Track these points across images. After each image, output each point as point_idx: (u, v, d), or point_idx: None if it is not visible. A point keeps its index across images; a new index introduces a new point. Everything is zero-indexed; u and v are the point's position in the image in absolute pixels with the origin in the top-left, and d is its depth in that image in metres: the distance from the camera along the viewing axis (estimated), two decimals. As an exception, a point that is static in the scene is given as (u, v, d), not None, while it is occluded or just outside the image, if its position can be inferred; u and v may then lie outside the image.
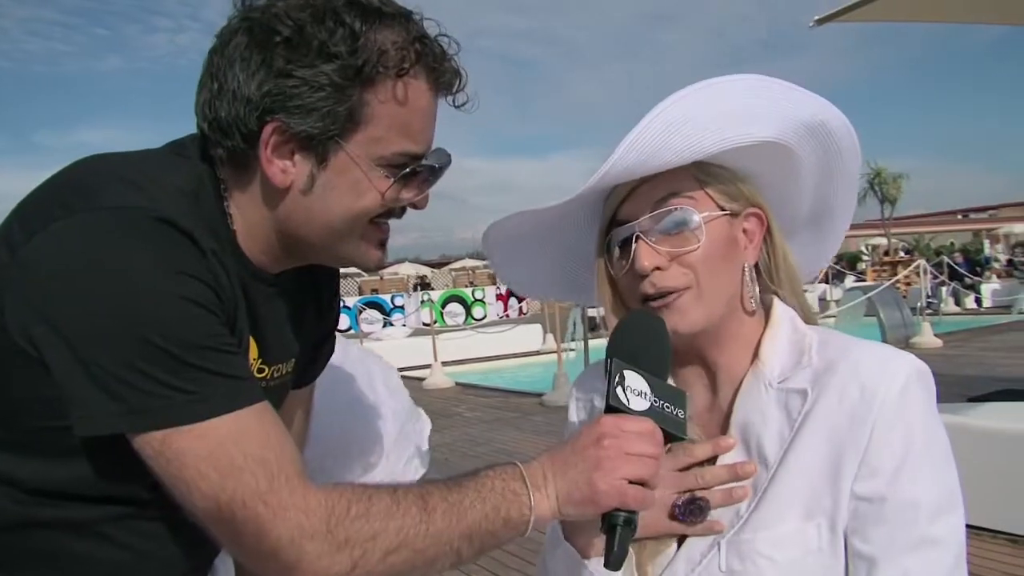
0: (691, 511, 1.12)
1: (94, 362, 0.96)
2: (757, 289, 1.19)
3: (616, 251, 1.16)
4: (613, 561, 1.00)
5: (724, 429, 1.16)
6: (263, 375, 1.25)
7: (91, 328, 0.96)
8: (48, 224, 1.00)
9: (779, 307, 1.20)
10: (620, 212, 1.15)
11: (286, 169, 1.11)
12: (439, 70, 1.13)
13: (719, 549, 1.09)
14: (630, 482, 1.01)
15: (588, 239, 1.24)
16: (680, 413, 1.07)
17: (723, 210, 1.14)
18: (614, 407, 1.03)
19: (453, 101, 1.17)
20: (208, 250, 1.05)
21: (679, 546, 1.13)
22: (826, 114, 1.15)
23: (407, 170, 1.13)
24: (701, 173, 1.13)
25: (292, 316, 1.32)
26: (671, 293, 1.12)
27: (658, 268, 1.11)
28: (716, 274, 1.13)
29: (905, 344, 13.21)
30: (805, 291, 1.27)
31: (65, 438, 1.01)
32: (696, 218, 1.11)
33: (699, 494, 1.13)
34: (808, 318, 1.22)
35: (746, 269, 1.17)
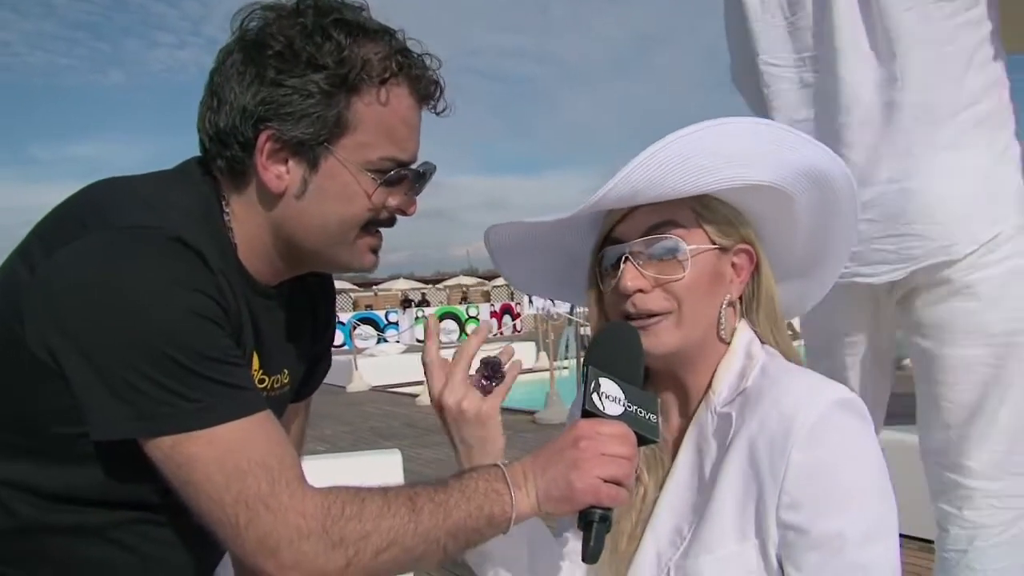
0: (492, 371, 1.24)
1: (109, 371, 1.02)
2: (734, 322, 1.23)
3: (607, 267, 1.22)
4: (590, 555, 1.07)
5: (676, 450, 1.22)
6: (263, 385, 1.31)
7: (106, 340, 1.02)
8: (66, 242, 1.06)
9: (740, 333, 1.23)
10: (615, 231, 1.20)
11: (280, 175, 1.18)
12: (419, 79, 1.21)
13: (668, 574, 1.15)
14: (605, 481, 1.07)
15: (587, 244, 1.28)
16: (652, 417, 1.12)
17: (714, 244, 1.18)
18: (590, 412, 1.09)
19: (434, 109, 1.25)
20: (216, 269, 1.12)
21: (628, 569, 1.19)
22: (827, 163, 1.18)
23: (392, 173, 1.20)
24: (699, 206, 1.17)
25: (289, 329, 1.38)
26: (652, 316, 1.17)
27: (641, 291, 1.16)
28: (697, 303, 1.17)
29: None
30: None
31: (82, 444, 1.07)
32: (684, 248, 1.16)
33: (490, 358, 1.24)
34: (787, 354, 1.23)
35: (725, 302, 1.21)
